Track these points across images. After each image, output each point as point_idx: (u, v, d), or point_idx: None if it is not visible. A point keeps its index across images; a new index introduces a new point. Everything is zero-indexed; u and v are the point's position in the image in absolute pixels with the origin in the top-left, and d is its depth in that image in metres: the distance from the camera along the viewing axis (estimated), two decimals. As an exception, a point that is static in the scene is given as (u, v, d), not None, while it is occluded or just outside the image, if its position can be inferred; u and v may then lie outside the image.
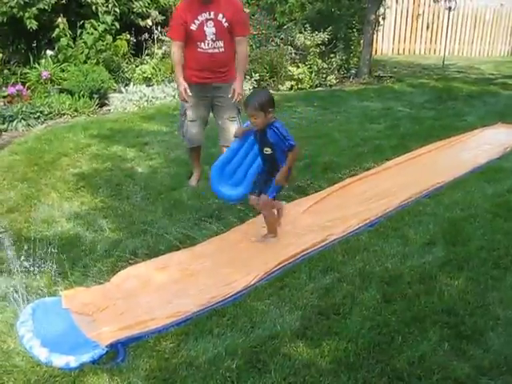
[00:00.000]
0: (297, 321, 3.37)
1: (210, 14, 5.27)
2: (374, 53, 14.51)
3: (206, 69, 5.39)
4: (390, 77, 13.17)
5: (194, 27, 5.29)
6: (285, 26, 12.55)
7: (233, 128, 5.50)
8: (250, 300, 3.58)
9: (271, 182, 4.29)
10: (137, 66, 10.88)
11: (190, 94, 5.41)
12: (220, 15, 5.28)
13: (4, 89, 9.36)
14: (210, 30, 5.29)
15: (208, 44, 5.32)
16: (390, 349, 3.14)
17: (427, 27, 18.51)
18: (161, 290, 3.73)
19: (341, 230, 4.45)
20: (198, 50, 5.34)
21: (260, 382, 2.88)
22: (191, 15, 5.29)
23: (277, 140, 4.19)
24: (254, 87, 10.96)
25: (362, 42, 13.27)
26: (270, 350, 3.11)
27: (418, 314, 3.47)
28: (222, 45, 5.34)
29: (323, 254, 4.14)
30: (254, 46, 11.66)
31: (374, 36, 14.03)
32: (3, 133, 8.11)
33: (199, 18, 5.27)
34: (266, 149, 4.30)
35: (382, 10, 14.03)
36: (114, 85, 10.19)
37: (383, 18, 14.54)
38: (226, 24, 5.30)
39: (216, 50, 5.35)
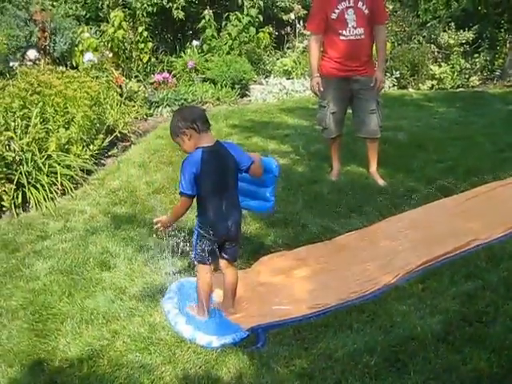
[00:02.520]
0: (438, 324, 3.28)
1: (349, 2, 5.29)
2: (520, 54, 13.82)
3: (349, 57, 5.38)
4: (538, 80, 12.49)
5: (334, 16, 5.33)
6: (428, 24, 12.21)
7: (373, 120, 5.50)
8: (390, 299, 3.54)
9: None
10: (277, 59, 11.05)
11: (322, 88, 5.48)
12: (360, 3, 5.29)
13: (151, 76, 9.80)
14: (350, 17, 5.30)
15: (350, 31, 5.33)
16: (537, 364, 3.00)
17: None
18: (301, 281, 3.79)
19: (485, 236, 4.29)
20: (341, 37, 5.36)
21: (399, 381, 2.83)
22: (330, 5, 5.34)
23: None
24: (393, 84, 10.81)
25: (508, 42, 12.67)
26: (409, 350, 3.05)
27: None
28: (363, 32, 5.34)
29: (466, 259, 4.00)
30: (395, 44, 11.47)
31: (522, 37, 13.36)
32: (149, 117, 8.52)
33: (339, 6, 5.31)
34: None
35: (532, 8, 13.33)
36: (255, 76, 10.41)
37: (533, 18, 13.81)
38: (366, 11, 5.31)
39: (357, 37, 5.34)
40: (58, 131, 5.88)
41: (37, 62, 8.33)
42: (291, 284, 3.73)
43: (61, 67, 8.26)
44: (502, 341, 3.12)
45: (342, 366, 2.95)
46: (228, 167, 3.31)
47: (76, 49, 9.45)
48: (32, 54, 8.31)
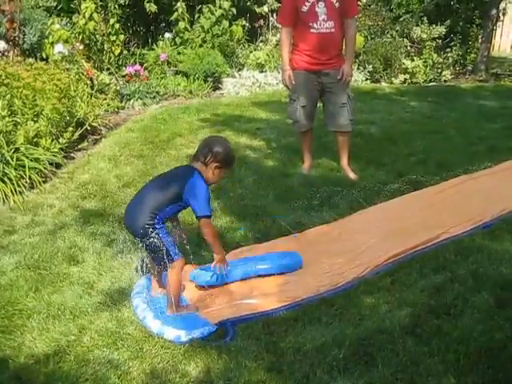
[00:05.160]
0: (406, 317, 3.30)
1: None
2: (491, 49, 13.95)
3: (319, 50, 5.38)
4: (509, 75, 12.62)
5: (304, 9, 5.33)
6: (401, 18, 12.28)
7: (343, 114, 5.51)
8: (360, 292, 3.55)
9: None
10: (251, 52, 11.02)
11: (294, 82, 5.49)
12: None
13: (123, 68, 9.70)
14: (321, 10, 5.30)
15: (320, 24, 5.32)
16: (503, 355, 3.00)
17: (550, 23, 17.55)
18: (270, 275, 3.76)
19: (454, 230, 4.33)
20: (311, 30, 5.35)
21: (367, 374, 2.84)
22: None
23: None
24: (366, 78, 10.85)
25: (480, 37, 12.79)
26: (378, 343, 3.06)
27: (534, 322, 3.31)
28: (333, 25, 5.33)
29: (435, 252, 4.04)
30: (368, 38, 11.52)
31: (493, 32, 13.48)
32: (120, 110, 8.44)
33: (310, 0, 5.30)
34: None
35: (503, 4, 13.46)
36: (228, 69, 10.35)
37: (503, 14, 13.96)
38: (337, 4, 5.31)
39: (328, 31, 5.34)
40: (26, 124, 5.79)
41: (5, 53, 8.20)
42: (261, 277, 3.70)
43: (30, 59, 8.14)
44: (470, 332, 3.16)
45: (311, 360, 2.95)
46: (163, 178, 3.52)
47: (46, 41, 9.32)
48: (0, 45, 8.18)
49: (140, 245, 3.32)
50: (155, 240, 3.23)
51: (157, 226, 3.25)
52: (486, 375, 2.84)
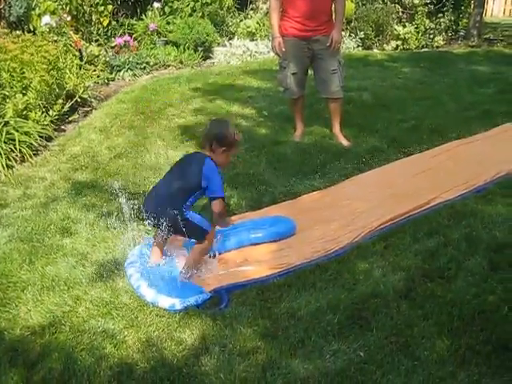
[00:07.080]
0: (400, 281, 3.31)
1: None
2: (484, 14, 13.82)
3: (308, 17, 5.31)
4: (501, 40, 12.53)
5: None
6: (392, -16, 12.15)
7: (334, 81, 5.46)
8: (354, 257, 3.56)
9: None
10: (241, 21, 10.90)
11: (284, 49, 5.43)
12: None
13: (112, 39, 9.59)
14: None
15: None
16: (496, 317, 3.02)
17: (543, -13, 17.42)
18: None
19: (446, 194, 4.34)
20: None
21: (361, 338, 2.86)
22: None
23: None
24: (358, 45, 10.77)
25: (472, 2, 12.67)
26: (372, 307, 3.08)
27: (526, 284, 3.33)
28: None
29: (428, 217, 4.05)
30: (360, 4, 11.39)
31: (486, -4, 13.38)
32: (111, 82, 8.35)
33: None
34: None
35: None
36: (218, 38, 10.27)
37: (496, -23, 13.84)
38: None
39: None
40: (14, 97, 5.72)
41: (-8, 26, 8.09)
42: (254, 245, 3.71)
43: (17, 31, 8.02)
44: (463, 295, 3.18)
45: (305, 325, 2.97)
46: (180, 170, 3.50)
47: (33, 12, 9.16)
48: (-14, 18, 8.06)
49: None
50: (188, 226, 3.32)
51: (186, 215, 3.33)
52: (478, 337, 2.86)
